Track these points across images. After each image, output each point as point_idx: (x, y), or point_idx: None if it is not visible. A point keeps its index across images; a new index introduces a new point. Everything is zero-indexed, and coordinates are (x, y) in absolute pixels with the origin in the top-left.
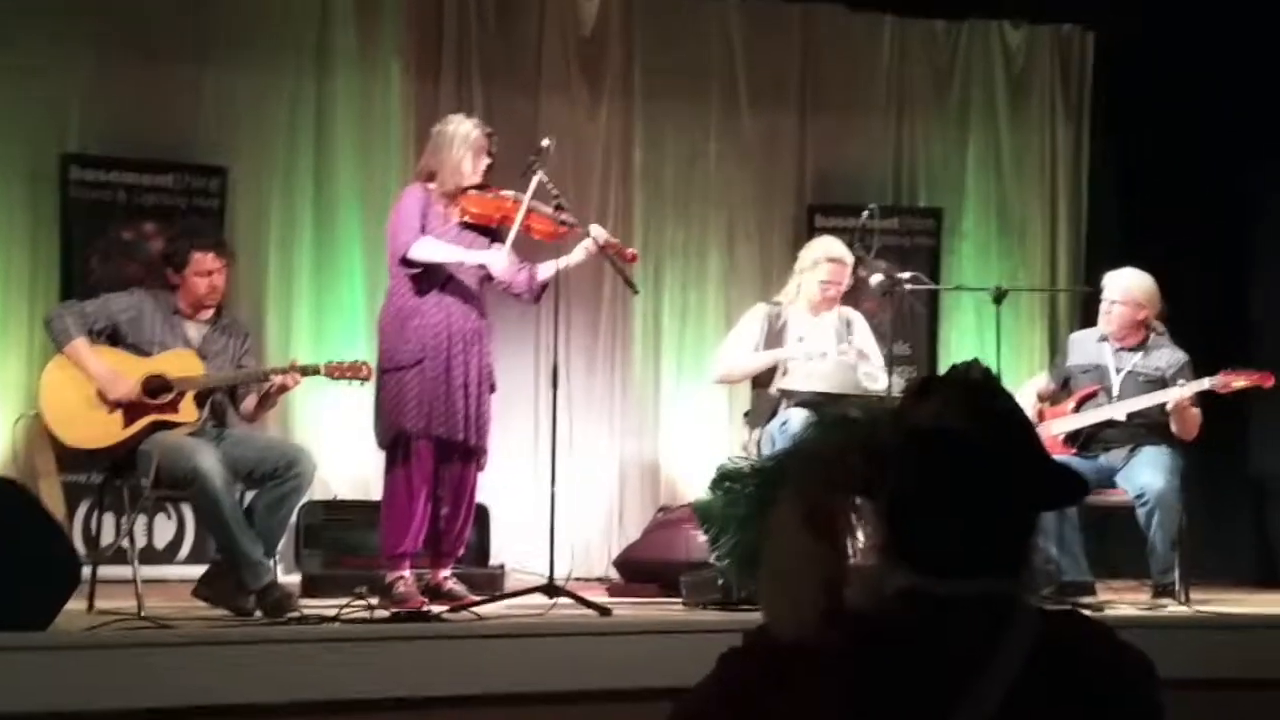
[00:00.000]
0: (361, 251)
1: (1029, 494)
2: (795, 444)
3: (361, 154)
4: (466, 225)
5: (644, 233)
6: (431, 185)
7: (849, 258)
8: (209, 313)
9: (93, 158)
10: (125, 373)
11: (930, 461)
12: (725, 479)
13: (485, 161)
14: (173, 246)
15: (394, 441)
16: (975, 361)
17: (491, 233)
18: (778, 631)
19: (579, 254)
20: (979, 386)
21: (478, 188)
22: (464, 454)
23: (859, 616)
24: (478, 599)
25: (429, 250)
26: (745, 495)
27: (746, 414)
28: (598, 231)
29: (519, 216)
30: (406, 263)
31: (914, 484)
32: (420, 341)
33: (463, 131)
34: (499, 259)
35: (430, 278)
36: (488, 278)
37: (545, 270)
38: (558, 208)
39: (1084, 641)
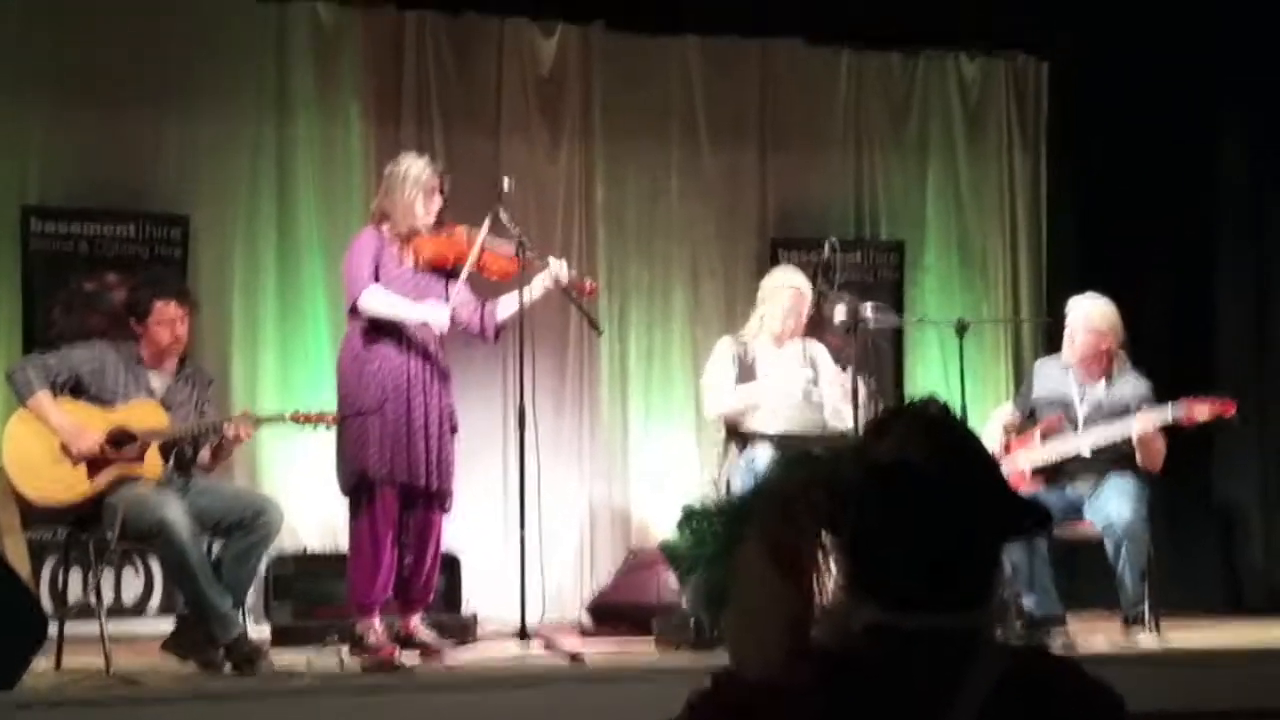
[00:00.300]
0: (325, 297)
1: (993, 526)
2: (760, 482)
3: (323, 199)
4: (422, 267)
5: (607, 272)
6: (385, 227)
7: (806, 287)
8: (173, 362)
9: (53, 209)
10: (89, 425)
11: (891, 496)
12: (691, 518)
13: (437, 201)
14: (135, 296)
15: (357, 488)
16: (932, 397)
17: (449, 273)
18: (744, 671)
19: (538, 288)
20: (937, 420)
21: (434, 226)
22: (427, 498)
23: (825, 653)
24: (449, 646)
25: (376, 302)
26: (712, 533)
27: (716, 449)
28: (556, 265)
29: (471, 257)
30: (354, 312)
31: (876, 519)
32: (381, 385)
33: (414, 173)
34: (441, 317)
35: (389, 321)
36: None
37: (504, 309)
38: (520, 245)
39: (1051, 676)
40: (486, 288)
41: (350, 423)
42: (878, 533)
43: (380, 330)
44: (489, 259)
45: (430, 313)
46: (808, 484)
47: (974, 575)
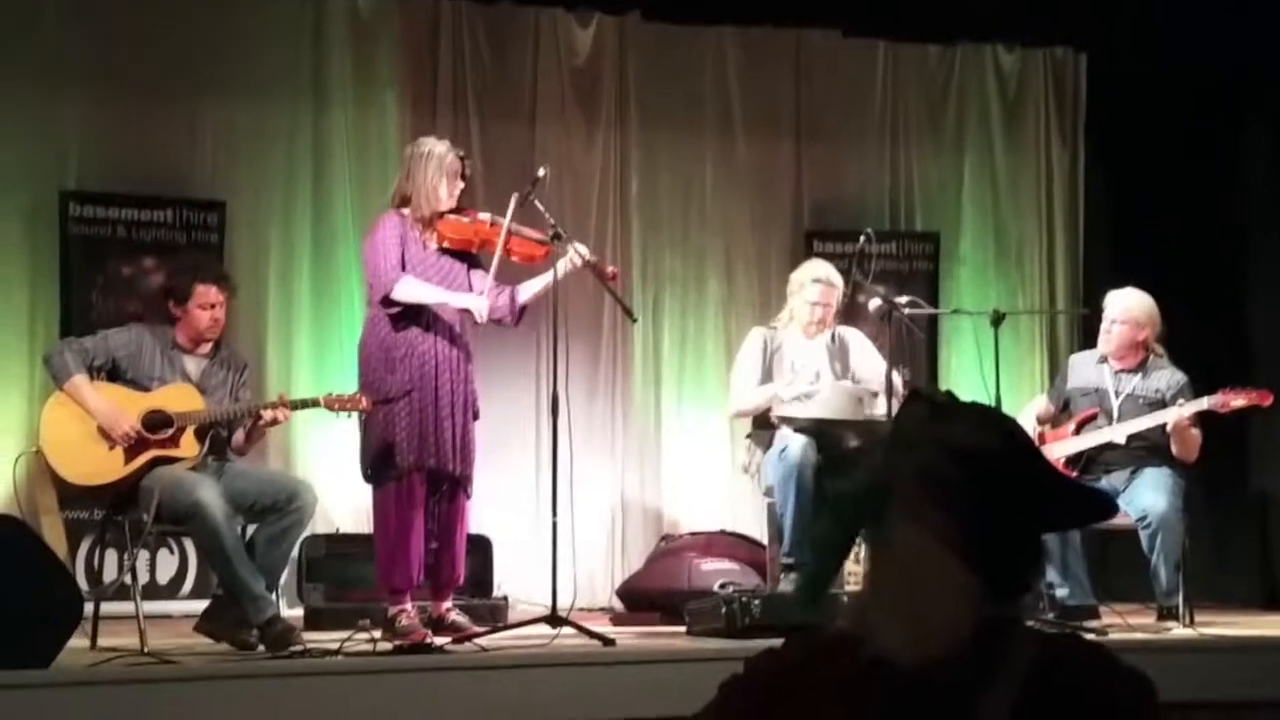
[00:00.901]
0: (360, 283)
1: (1066, 514)
2: (882, 460)
3: (359, 186)
4: (445, 250)
5: (642, 261)
6: (406, 211)
7: (836, 279)
8: (208, 346)
9: (91, 194)
10: (125, 408)
11: (983, 481)
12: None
13: (459, 185)
14: (176, 279)
15: (384, 474)
16: (932, 387)
17: (471, 257)
18: (905, 655)
19: (561, 270)
20: (993, 412)
21: (454, 211)
22: (453, 484)
23: (858, 641)
24: (481, 630)
25: (412, 291)
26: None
27: (747, 437)
28: (580, 248)
29: (500, 242)
30: (389, 302)
31: (973, 504)
32: (408, 373)
33: (436, 155)
34: (481, 305)
35: (414, 306)
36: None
37: (525, 292)
38: (555, 236)
39: (1082, 663)
40: (510, 271)
41: (376, 410)
42: (986, 518)
43: (406, 316)
44: (515, 242)
45: (471, 301)
46: (938, 467)
47: (1031, 563)
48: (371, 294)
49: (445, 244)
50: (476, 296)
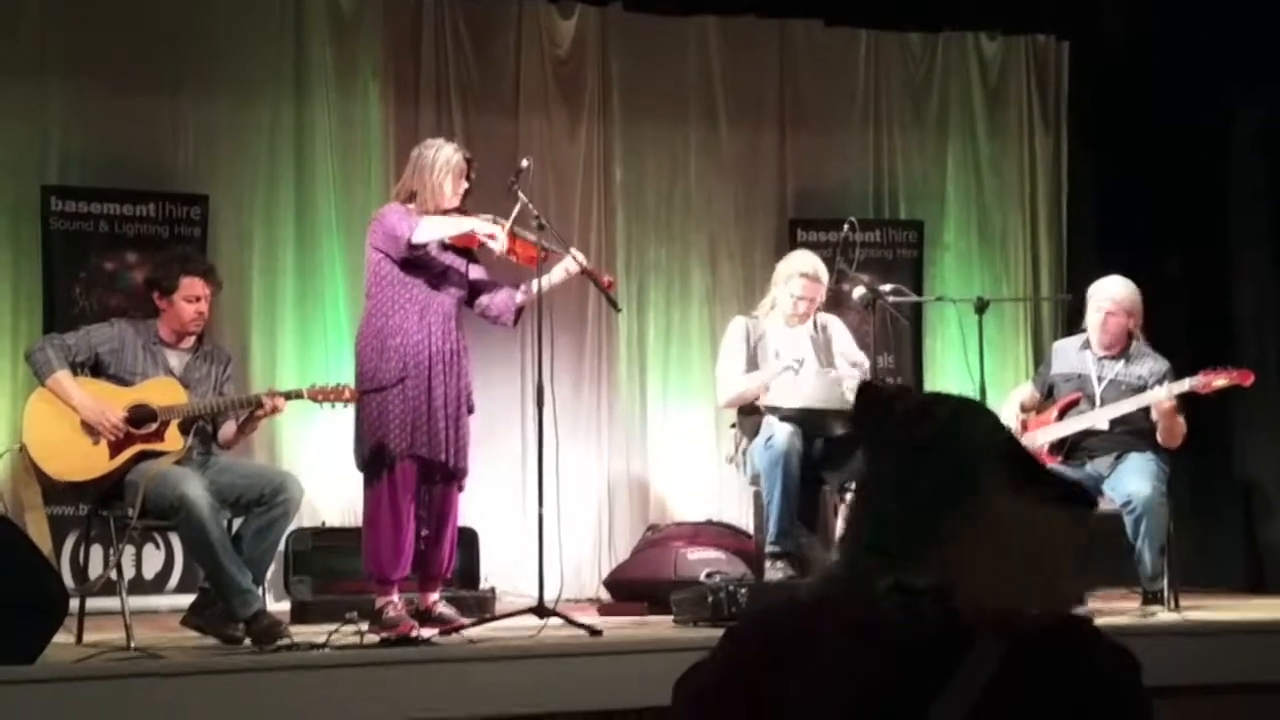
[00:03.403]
0: (344, 278)
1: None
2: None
3: (342, 180)
4: (446, 246)
5: (626, 252)
6: (411, 205)
7: (823, 273)
8: (190, 340)
9: (73, 189)
10: (109, 403)
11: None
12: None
13: (464, 186)
14: (162, 270)
15: (377, 462)
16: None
17: (470, 254)
18: (1024, 615)
19: (559, 274)
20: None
21: (457, 211)
22: (445, 475)
23: (852, 605)
24: (468, 622)
25: (432, 228)
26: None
27: (732, 426)
28: (579, 255)
29: (501, 237)
30: (413, 247)
31: (925, 485)
32: (402, 360)
33: (444, 156)
34: (500, 234)
35: (411, 297)
36: (466, 300)
37: (523, 294)
38: (540, 228)
39: (1065, 636)
40: (507, 273)
41: (370, 398)
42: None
43: (401, 307)
44: (517, 244)
45: (489, 227)
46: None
47: None
48: (377, 262)
49: (447, 240)
50: (494, 226)
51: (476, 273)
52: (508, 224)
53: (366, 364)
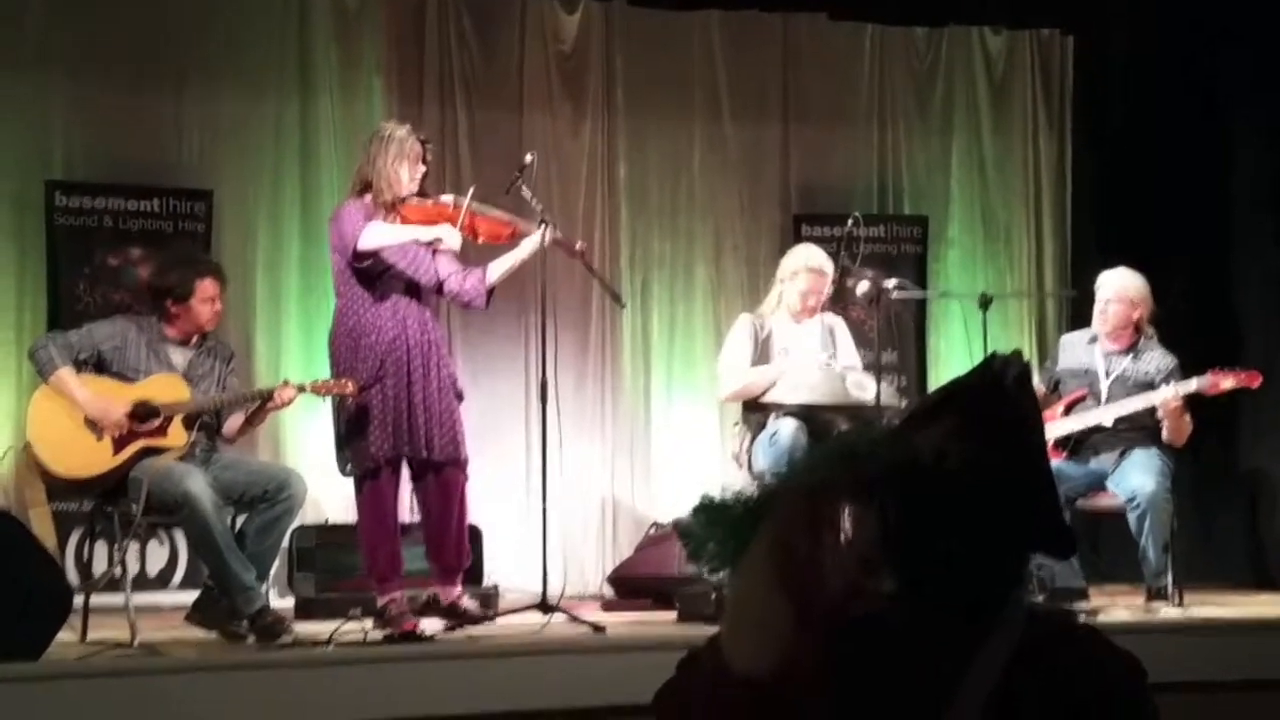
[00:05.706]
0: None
1: (1016, 542)
2: (786, 475)
3: (346, 175)
4: None
5: (630, 246)
6: (367, 198)
7: (828, 267)
8: (194, 337)
9: (77, 184)
10: (113, 399)
11: (920, 501)
12: (707, 509)
13: (420, 169)
14: (173, 277)
15: (360, 466)
16: (1015, 356)
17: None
18: (731, 664)
19: (526, 248)
20: (993, 417)
21: (417, 195)
22: (438, 468)
23: (841, 616)
24: (490, 616)
25: (379, 234)
26: (727, 526)
27: (736, 424)
28: (548, 229)
29: (460, 222)
30: (360, 256)
31: (900, 523)
32: (378, 358)
33: (396, 139)
34: (453, 235)
35: (381, 292)
36: (438, 289)
37: (494, 272)
38: (541, 222)
39: (1066, 644)
40: (475, 254)
41: (347, 402)
42: (902, 535)
43: (376, 302)
44: (478, 221)
45: (441, 230)
46: (835, 489)
47: (988, 579)
48: (336, 277)
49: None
50: (446, 226)
51: (444, 259)
52: (465, 204)
53: (341, 364)
